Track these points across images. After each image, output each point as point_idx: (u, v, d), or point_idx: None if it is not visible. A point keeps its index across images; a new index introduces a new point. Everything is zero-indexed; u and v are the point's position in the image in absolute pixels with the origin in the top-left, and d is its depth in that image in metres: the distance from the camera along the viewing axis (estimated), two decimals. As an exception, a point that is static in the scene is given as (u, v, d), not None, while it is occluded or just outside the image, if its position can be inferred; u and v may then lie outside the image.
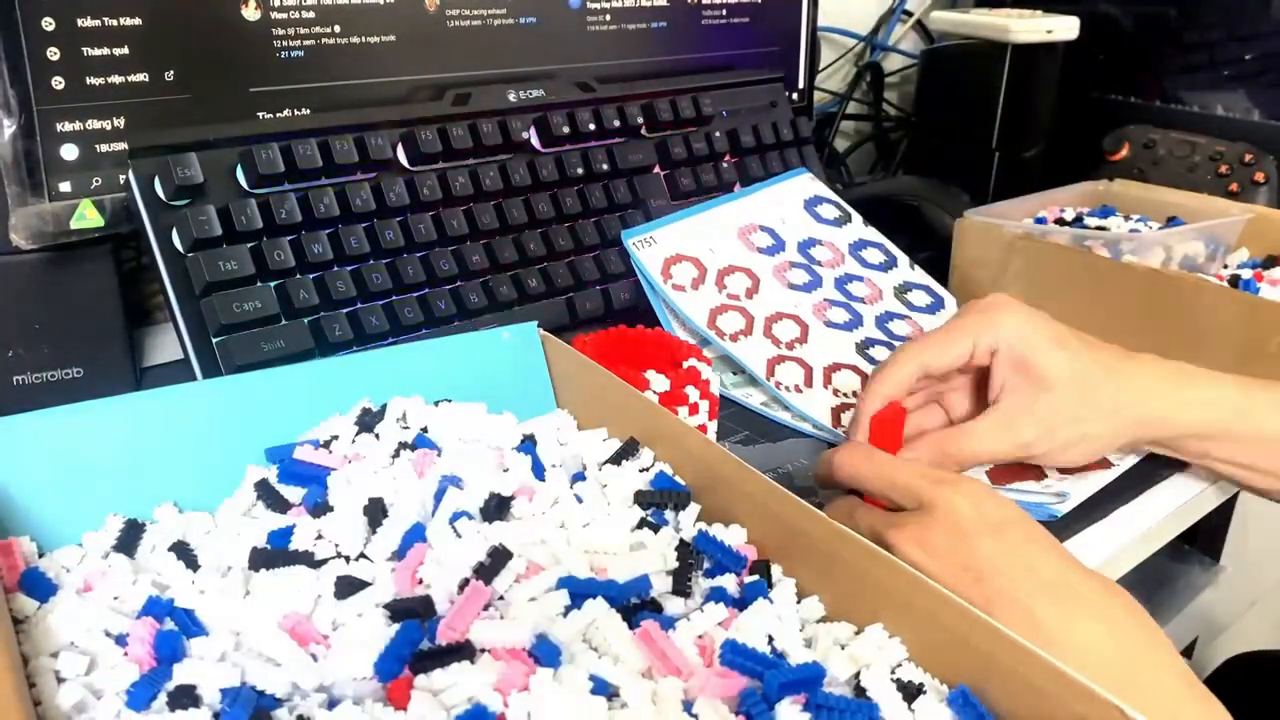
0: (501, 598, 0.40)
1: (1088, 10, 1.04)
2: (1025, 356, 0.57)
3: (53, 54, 0.58)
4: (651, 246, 0.73)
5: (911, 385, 0.59)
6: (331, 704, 0.35)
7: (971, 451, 0.57)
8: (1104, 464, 0.59)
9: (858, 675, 0.37)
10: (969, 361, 0.59)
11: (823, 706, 0.35)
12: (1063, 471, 0.58)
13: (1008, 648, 0.35)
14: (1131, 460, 0.60)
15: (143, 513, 0.45)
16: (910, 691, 0.36)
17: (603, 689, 0.35)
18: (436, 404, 0.53)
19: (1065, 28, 1.02)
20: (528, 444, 0.51)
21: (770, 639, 0.39)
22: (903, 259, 0.81)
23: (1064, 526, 0.55)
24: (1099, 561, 0.54)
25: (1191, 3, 1.07)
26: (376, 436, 0.49)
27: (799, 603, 0.42)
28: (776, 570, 0.43)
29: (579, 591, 0.39)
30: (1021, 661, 0.34)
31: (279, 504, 0.46)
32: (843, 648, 0.39)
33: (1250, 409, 0.57)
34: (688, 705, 0.35)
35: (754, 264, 0.75)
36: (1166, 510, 0.58)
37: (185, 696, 0.33)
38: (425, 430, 0.50)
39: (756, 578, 0.42)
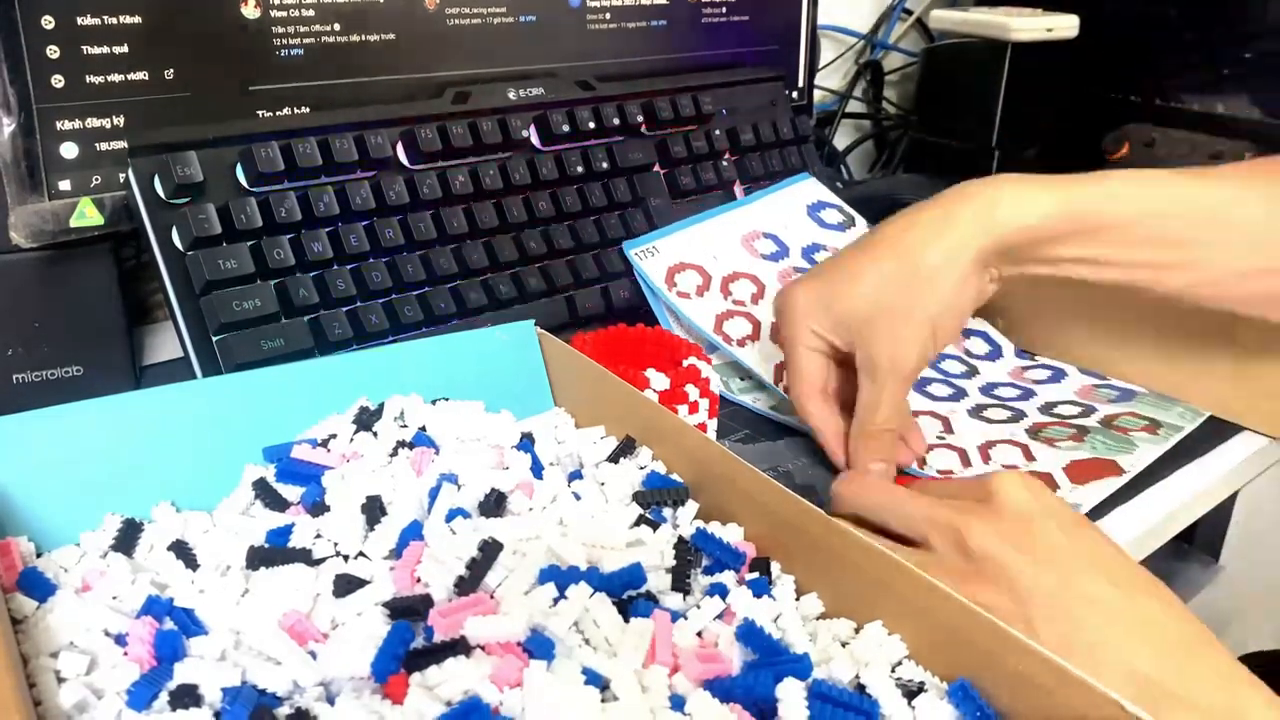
0: (492, 595, 0.40)
1: (1088, 8, 1.04)
2: (808, 307, 0.60)
3: (52, 52, 0.58)
4: (654, 256, 0.73)
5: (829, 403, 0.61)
6: (330, 700, 0.35)
7: (870, 414, 0.57)
8: (1116, 470, 0.59)
9: (858, 674, 0.37)
10: (828, 355, 0.61)
11: (825, 697, 0.35)
12: (1074, 480, 0.58)
13: (1008, 644, 0.35)
14: (1142, 464, 0.59)
15: (140, 512, 0.44)
16: (911, 690, 0.36)
17: (595, 680, 0.35)
18: (434, 402, 0.53)
19: (1065, 26, 1.01)
20: (525, 442, 0.51)
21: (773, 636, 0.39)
22: None
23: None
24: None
25: (1192, 1, 1.07)
26: (374, 435, 0.49)
27: (798, 599, 0.42)
28: (775, 567, 0.43)
29: (568, 582, 0.39)
30: (1022, 658, 0.34)
31: (277, 503, 0.46)
32: (843, 645, 0.39)
33: (1090, 198, 0.57)
34: (678, 697, 0.35)
35: (758, 270, 0.75)
36: (1166, 509, 0.58)
37: (186, 696, 0.33)
38: (423, 429, 0.50)
39: (756, 574, 0.42)
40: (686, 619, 0.39)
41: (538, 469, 0.49)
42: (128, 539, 0.43)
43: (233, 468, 0.47)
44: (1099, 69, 1.10)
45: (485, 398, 0.54)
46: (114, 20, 0.60)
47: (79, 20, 0.59)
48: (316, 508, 0.45)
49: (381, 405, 0.51)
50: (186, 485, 0.46)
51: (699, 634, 0.39)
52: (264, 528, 0.44)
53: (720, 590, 0.41)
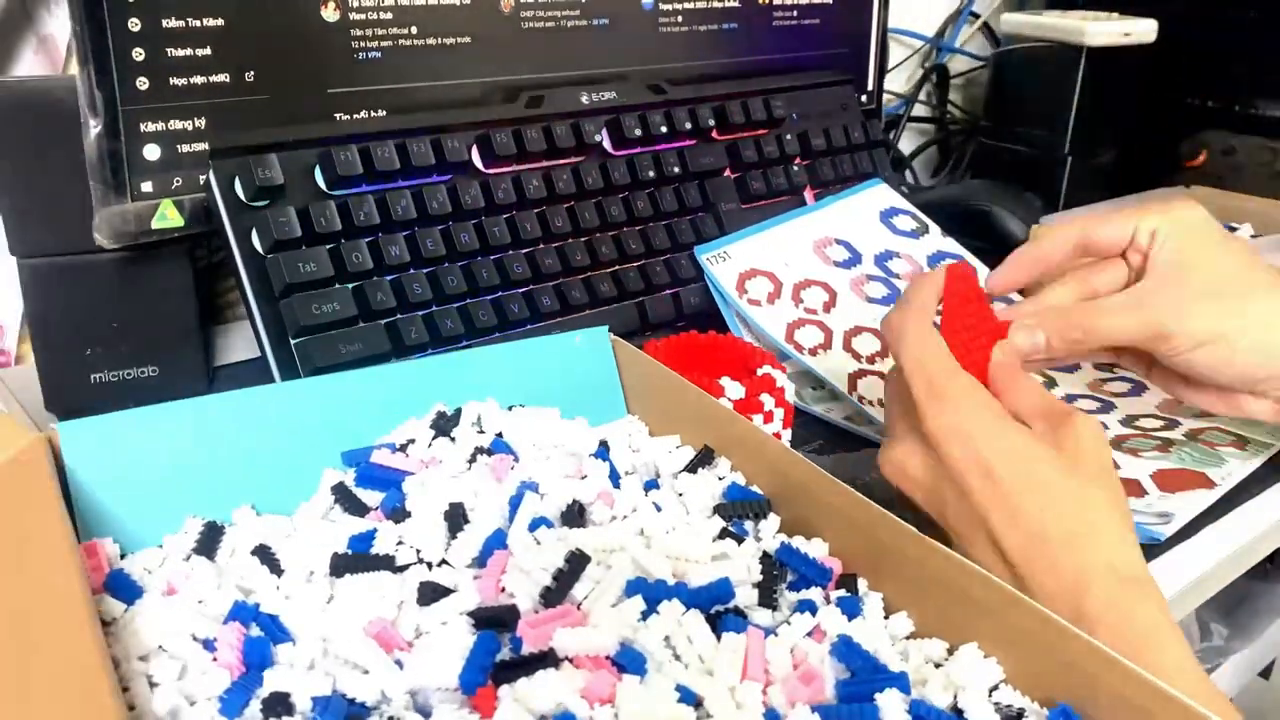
0: (579, 606, 0.39)
1: (1164, 12, 1.02)
2: (1182, 243, 0.53)
3: (138, 54, 0.58)
4: (725, 261, 0.73)
5: (1066, 253, 0.56)
6: (419, 710, 0.35)
7: (1102, 326, 0.52)
8: (1206, 482, 0.57)
9: (955, 697, 0.36)
10: (1130, 242, 0.54)
11: (923, 719, 0.34)
12: (1163, 488, 0.56)
13: (1114, 670, 0.33)
14: (1235, 479, 0.58)
15: (219, 514, 0.44)
16: (1010, 716, 0.35)
17: (689, 698, 0.35)
18: (510, 408, 0.52)
19: (1143, 30, 0.99)
20: (602, 450, 0.50)
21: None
22: (983, 271, 0.79)
23: (1150, 547, 0.52)
24: (1189, 582, 0.52)
25: (1272, 5, 1.04)
26: (452, 440, 0.49)
27: (886, 618, 0.41)
28: (862, 584, 0.42)
29: (656, 596, 0.39)
30: (1128, 685, 0.33)
31: (357, 508, 0.45)
32: (937, 666, 0.38)
33: None
34: (774, 712, 0.34)
35: (830, 277, 0.74)
36: (1258, 528, 0.56)
37: (279, 704, 0.33)
38: (500, 435, 0.50)
39: (843, 592, 0.41)
40: (777, 635, 0.38)
41: (615, 478, 0.49)
42: (209, 542, 0.43)
43: (311, 471, 0.47)
44: (1175, 74, 1.08)
45: (558, 404, 0.53)
46: (197, 23, 0.60)
47: (164, 22, 0.59)
48: (397, 513, 0.44)
49: (459, 411, 0.51)
50: (265, 488, 0.46)
51: (791, 651, 0.38)
52: (345, 533, 0.43)
53: (809, 607, 0.40)
